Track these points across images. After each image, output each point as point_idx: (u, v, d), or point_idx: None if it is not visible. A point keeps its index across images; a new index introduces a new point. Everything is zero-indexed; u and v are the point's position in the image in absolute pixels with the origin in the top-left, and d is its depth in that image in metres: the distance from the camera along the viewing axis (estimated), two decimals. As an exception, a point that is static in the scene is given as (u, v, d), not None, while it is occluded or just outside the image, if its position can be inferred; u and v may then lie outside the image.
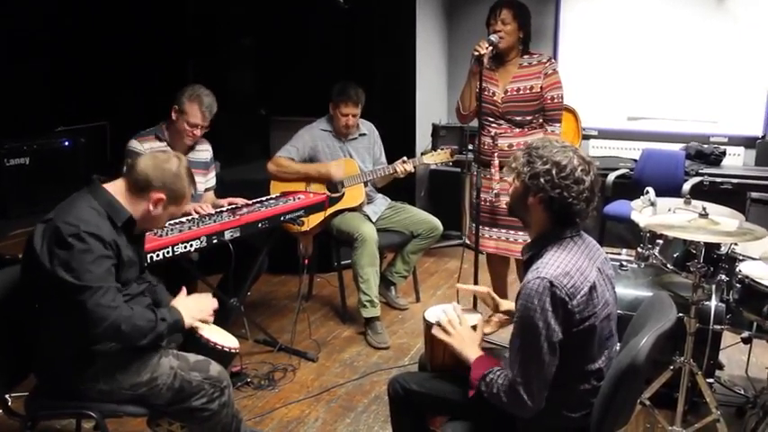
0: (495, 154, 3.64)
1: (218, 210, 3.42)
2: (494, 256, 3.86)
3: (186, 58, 5.76)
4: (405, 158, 4.12)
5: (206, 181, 3.70)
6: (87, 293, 2.11)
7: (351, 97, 4.09)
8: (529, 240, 2.16)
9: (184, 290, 2.56)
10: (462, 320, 2.25)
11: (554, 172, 1.97)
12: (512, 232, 3.67)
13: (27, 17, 5.06)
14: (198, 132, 3.49)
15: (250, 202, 3.59)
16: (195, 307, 2.46)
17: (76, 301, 2.11)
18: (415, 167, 4.15)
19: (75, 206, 2.22)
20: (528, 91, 3.59)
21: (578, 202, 1.99)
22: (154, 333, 2.25)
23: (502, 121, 3.65)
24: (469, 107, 3.67)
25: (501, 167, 3.61)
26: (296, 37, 5.85)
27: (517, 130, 3.63)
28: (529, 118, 3.62)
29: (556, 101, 3.62)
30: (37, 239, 2.17)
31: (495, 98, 3.63)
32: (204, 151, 3.68)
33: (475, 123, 3.72)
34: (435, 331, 2.24)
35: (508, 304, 2.42)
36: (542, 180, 1.98)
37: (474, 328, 2.26)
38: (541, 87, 3.59)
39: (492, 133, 3.66)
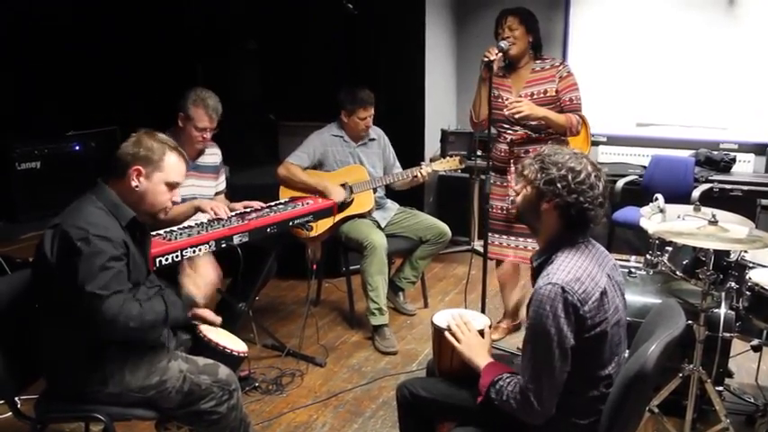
0: (512, 161, 3.63)
1: (232, 214, 3.43)
2: (504, 263, 3.85)
3: (195, 62, 5.80)
4: (422, 164, 4.12)
5: (216, 185, 3.71)
6: (98, 298, 2.12)
7: (366, 101, 4.12)
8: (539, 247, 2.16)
9: (186, 266, 2.54)
10: (470, 327, 2.25)
11: (570, 177, 1.98)
12: (530, 240, 3.63)
13: (38, 23, 5.10)
14: (207, 136, 3.50)
15: (266, 205, 3.60)
16: (200, 281, 2.44)
17: (88, 306, 2.12)
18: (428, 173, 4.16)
19: (82, 210, 2.24)
20: (542, 95, 3.57)
21: (593, 207, 2.00)
22: (168, 321, 2.27)
23: (518, 127, 3.62)
24: (482, 114, 3.65)
25: None
26: (303, 43, 5.88)
27: (534, 135, 3.61)
28: (544, 123, 3.60)
29: (575, 102, 3.57)
30: (47, 246, 2.18)
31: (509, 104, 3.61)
32: (213, 155, 3.69)
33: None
34: (447, 335, 2.25)
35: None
36: (558, 186, 1.99)
37: (482, 333, 2.27)
38: (557, 91, 3.56)
39: (508, 140, 3.65)
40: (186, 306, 2.36)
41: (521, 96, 3.57)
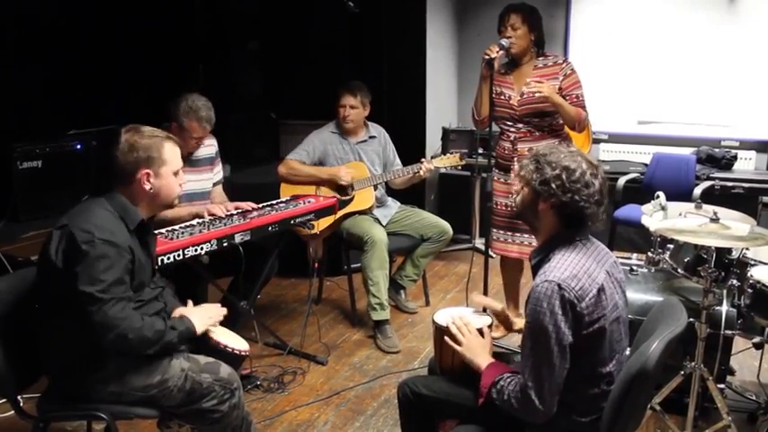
0: (515, 158, 3.62)
1: (229, 213, 3.43)
2: (509, 260, 3.85)
3: (196, 62, 5.80)
4: (423, 160, 4.12)
5: (213, 175, 3.72)
6: (98, 303, 2.13)
7: (349, 88, 4.13)
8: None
9: (190, 303, 2.58)
10: (470, 328, 2.25)
11: (564, 177, 1.98)
12: (534, 237, 3.62)
13: (39, 21, 5.09)
14: (203, 141, 3.55)
15: (258, 206, 3.59)
16: (205, 315, 2.49)
17: (87, 310, 2.13)
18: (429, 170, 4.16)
19: (91, 211, 2.24)
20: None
21: (589, 205, 2.00)
22: (162, 342, 2.27)
23: (521, 125, 3.62)
24: (484, 112, 3.64)
25: None
26: (304, 41, 5.87)
27: (537, 133, 3.60)
28: (548, 119, 3.58)
29: (581, 99, 3.56)
30: (53, 246, 2.19)
31: (511, 102, 3.60)
32: (209, 146, 3.68)
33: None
34: (447, 340, 2.24)
35: (521, 323, 2.40)
36: (553, 185, 1.99)
37: (481, 332, 2.26)
38: (560, 88, 3.54)
39: (511, 138, 3.64)
40: (183, 337, 2.36)
41: (523, 93, 3.57)
